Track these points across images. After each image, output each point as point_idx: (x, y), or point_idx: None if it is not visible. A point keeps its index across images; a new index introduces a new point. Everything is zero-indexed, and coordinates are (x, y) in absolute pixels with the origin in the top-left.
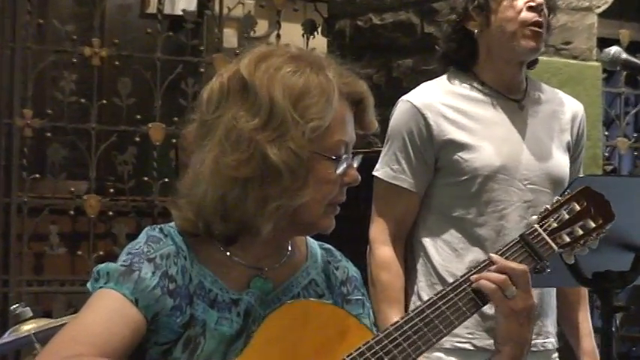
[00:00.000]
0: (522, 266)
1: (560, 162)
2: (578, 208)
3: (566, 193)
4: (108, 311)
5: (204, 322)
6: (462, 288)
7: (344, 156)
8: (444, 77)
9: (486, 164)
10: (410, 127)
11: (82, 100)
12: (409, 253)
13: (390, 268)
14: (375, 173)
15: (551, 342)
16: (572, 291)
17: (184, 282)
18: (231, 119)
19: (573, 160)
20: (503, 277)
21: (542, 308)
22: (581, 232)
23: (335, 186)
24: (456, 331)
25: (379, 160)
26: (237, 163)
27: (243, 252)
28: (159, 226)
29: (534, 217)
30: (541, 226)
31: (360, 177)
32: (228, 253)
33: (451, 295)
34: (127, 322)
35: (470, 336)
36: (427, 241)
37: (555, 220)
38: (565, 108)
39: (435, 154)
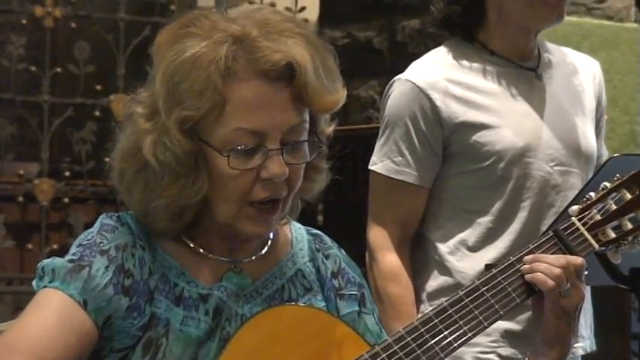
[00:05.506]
0: (580, 260)
1: (587, 134)
2: (629, 196)
3: (615, 178)
4: (51, 315)
5: (167, 321)
6: (511, 270)
7: (243, 148)
8: (444, 48)
9: (508, 146)
10: (413, 111)
11: (33, 68)
12: (415, 254)
13: (400, 279)
14: (372, 167)
15: (583, 346)
16: None
17: (142, 276)
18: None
19: (597, 131)
20: (559, 271)
21: None
22: (630, 225)
23: (240, 182)
24: (477, 340)
25: (375, 151)
26: (122, 154)
27: (210, 243)
28: (116, 214)
29: (575, 207)
30: (580, 220)
31: (286, 171)
32: (192, 245)
33: (499, 279)
34: (73, 328)
35: (494, 345)
36: (439, 240)
37: (599, 211)
38: (580, 68)
39: (445, 141)
